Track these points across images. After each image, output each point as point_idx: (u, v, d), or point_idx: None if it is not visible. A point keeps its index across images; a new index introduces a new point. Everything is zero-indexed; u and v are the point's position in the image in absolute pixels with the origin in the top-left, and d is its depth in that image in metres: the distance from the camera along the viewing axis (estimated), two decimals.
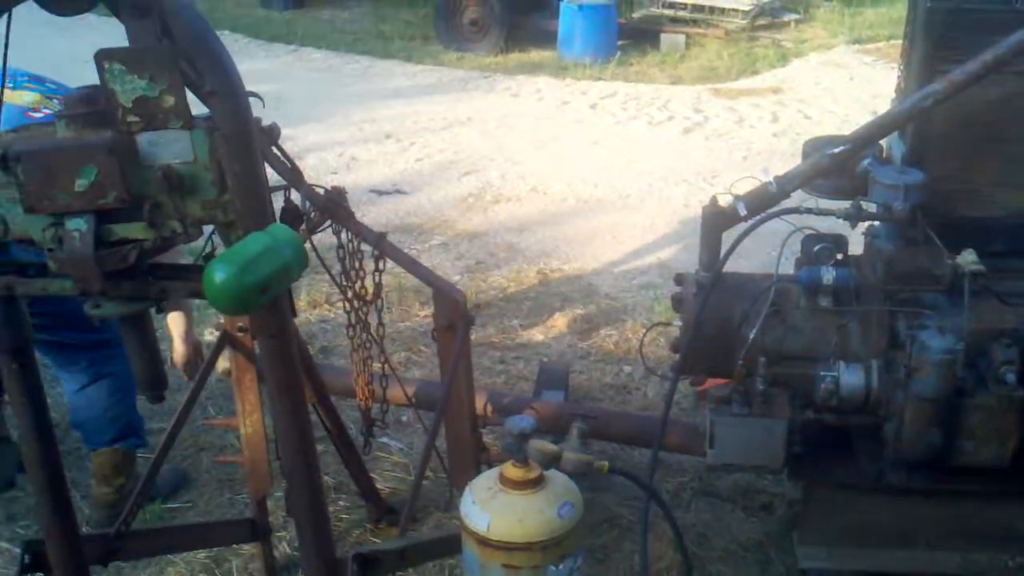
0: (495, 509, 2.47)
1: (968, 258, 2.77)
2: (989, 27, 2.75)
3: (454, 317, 3.00)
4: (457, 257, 5.78)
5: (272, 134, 2.65)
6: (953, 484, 2.92)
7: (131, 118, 1.85)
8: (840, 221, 2.91)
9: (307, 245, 2.62)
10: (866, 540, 2.98)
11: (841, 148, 2.85)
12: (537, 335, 4.80)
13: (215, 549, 3.31)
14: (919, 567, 2.95)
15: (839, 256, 3.01)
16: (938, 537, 2.97)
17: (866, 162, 2.95)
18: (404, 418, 4.03)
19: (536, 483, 2.49)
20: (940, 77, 2.75)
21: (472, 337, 4.47)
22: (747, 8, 11.59)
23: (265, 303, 1.99)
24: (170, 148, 1.91)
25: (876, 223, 2.97)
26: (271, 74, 10.34)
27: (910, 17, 2.97)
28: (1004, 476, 2.83)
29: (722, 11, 11.66)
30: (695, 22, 11.66)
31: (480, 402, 3.46)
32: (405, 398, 3.41)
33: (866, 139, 2.87)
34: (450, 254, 5.83)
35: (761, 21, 11.77)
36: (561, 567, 2.38)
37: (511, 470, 2.50)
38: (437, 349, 3.12)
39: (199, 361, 3.43)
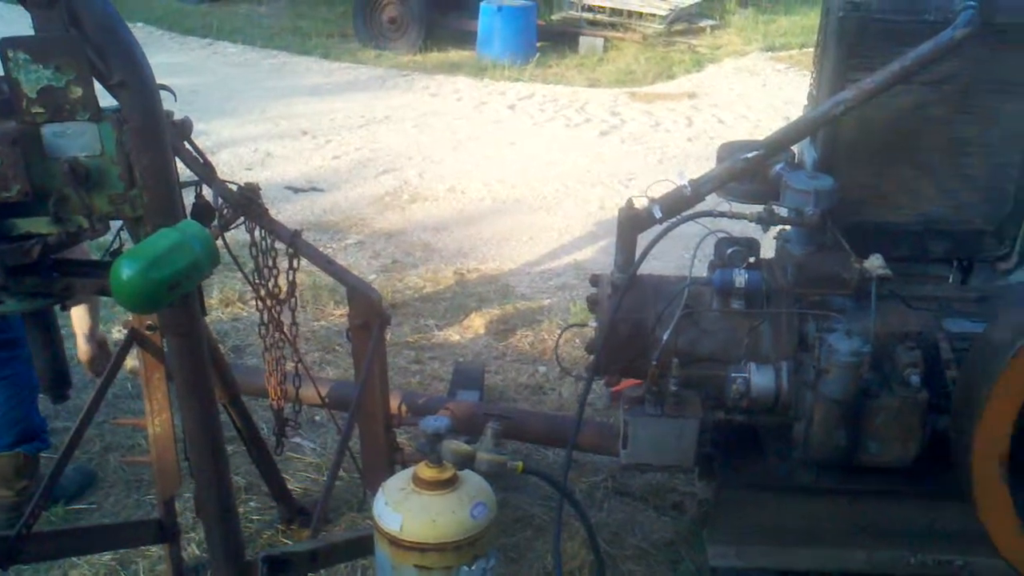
0: (408, 509, 2.46)
1: (875, 262, 2.84)
2: (899, 37, 2.83)
3: (369, 316, 2.97)
4: (373, 256, 5.74)
5: (184, 128, 2.60)
6: (859, 484, 2.99)
7: (36, 109, 1.80)
8: (753, 225, 2.96)
9: (219, 242, 2.59)
10: (775, 538, 3.02)
11: (754, 153, 2.89)
12: (453, 335, 4.79)
13: (121, 551, 3.23)
14: (825, 565, 3.00)
15: (751, 259, 3.05)
16: (844, 535, 3.02)
17: (778, 167, 3.00)
18: (318, 418, 3.98)
19: (449, 483, 2.48)
20: (850, 85, 2.82)
21: (387, 337, 4.45)
22: (664, 13, 11.73)
23: (174, 300, 1.95)
24: (76, 140, 1.86)
25: (788, 227, 3.02)
26: (186, 67, 10.15)
27: (822, 25, 3.03)
28: (908, 476, 2.90)
29: (640, 15, 11.77)
30: (613, 26, 11.76)
31: (395, 402, 3.43)
32: (318, 398, 3.37)
33: (778, 144, 2.92)
34: (366, 253, 5.78)
35: (678, 26, 11.91)
36: (474, 567, 2.37)
37: (425, 470, 2.49)
38: (352, 348, 3.08)
39: (105, 359, 3.34)
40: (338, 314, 4.78)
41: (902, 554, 2.98)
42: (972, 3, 2.73)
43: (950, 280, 3.17)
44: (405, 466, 2.89)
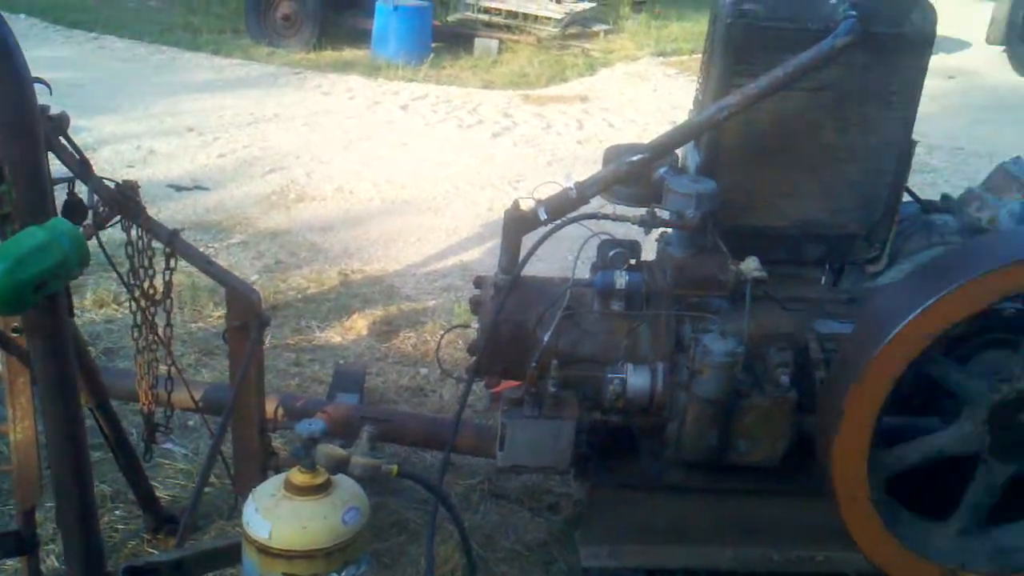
0: (278, 516, 2.39)
1: (751, 265, 2.87)
2: (783, 45, 2.86)
3: (247, 317, 2.89)
4: (256, 256, 5.62)
5: (60, 123, 2.51)
6: (729, 482, 3.04)
7: None
8: (635, 227, 2.97)
9: (93, 241, 2.49)
10: (646, 537, 3.04)
11: (639, 156, 2.90)
12: (335, 337, 4.71)
13: None
14: (694, 562, 3.03)
15: (632, 261, 3.06)
16: (713, 533, 3.06)
17: (662, 171, 3.02)
18: (191, 423, 3.86)
19: (322, 489, 2.42)
20: (735, 91, 2.85)
21: (267, 339, 4.37)
22: (559, 17, 11.80)
23: (39, 301, 1.89)
24: None
25: (669, 230, 3.04)
26: (70, 62, 9.83)
27: (710, 32, 3.05)
28: (775, 475, 2.95)
29: (535, 18, 11.82)
30: (509, 28, 11.78)
31: (271, 405, 3.35)
32: (192, 401, 3.27)
33: (662, 148, 2.93)
34: (249, 253, 5.66)
35: (572, 30, 12.00)
36: (343, 574, 2.32)
37: (297, 476, 2.43)
38: (228, 351, 3.00)
39: None
40: (217, 316, 4.66)
41: (767, 551, 3.04)
42: (853, 13, 2.78)
43: (822, 282, 3.23)
44: (279, 471, 2.81)
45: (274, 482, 2.53)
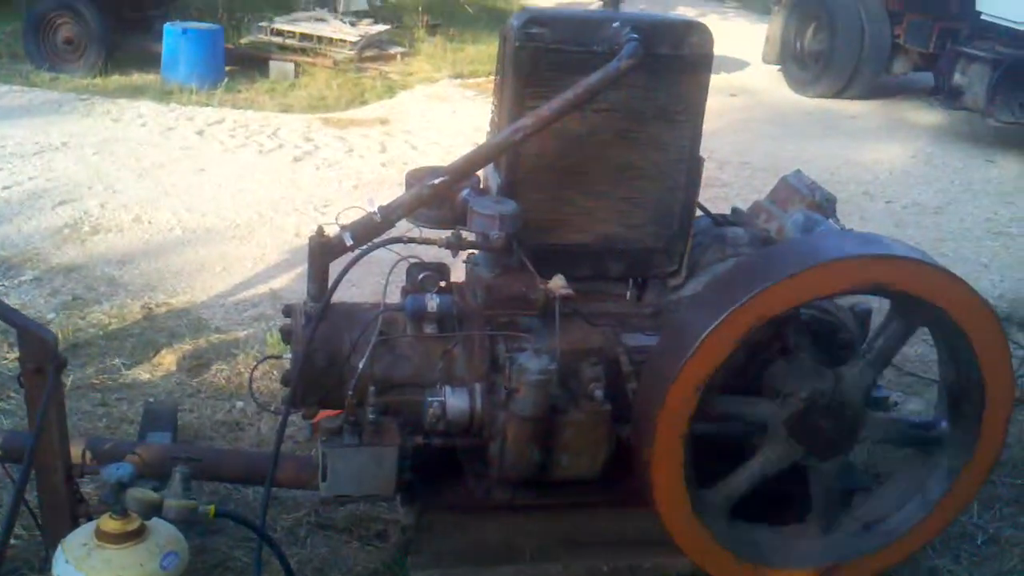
0: (91, 567, 2.32)
1: (558, 282, 2.96)
2: (571, 67, 2.97)
3: (42, 359, 2.77)
4: (51, 293, 5.35)
5: None
6: (554, 498, 3.11)
7: None
8: (443, 249, 3.01)
9: None
10: (477, 558, 3.09)
11: (440, 179, 2.95)
12: (142, 374, 4.54)
13: None
14: None
15: (442, 283, 3.10)
16: (542, 549, 3.13)
17: (465, 193, 3.08)
18: None
19: (136, 535, 2.36)
20: (528, 112, 2.94)
21: (68, 379, 4.19)
22: (354, 39, 11.76)
23: None
24: None
25: (475, 251, 3.10)
26: None
27: (500, 55, 3.13)
28: (598, 487, 3.05)
29: (330, 41, 11.74)
30: (304, 51, 11.65)
31: (77, 450, 3.21)
32: None
33: (462, 170, 2.99)
34: (43, 290, 5.39)
35: (368, 52, 11.98)
36: None
37: (108, 523, 2.36)
38: (25, 395, 2.86)
39: None
40: (12, 358, 4.42)
41: (596, 563, 3.13)
42: (635, 36, 2.92)
43: (627, 297, 3.36)
44: (91, 519, 2.71)
45: (85, 531, 2.45)
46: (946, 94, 10.12)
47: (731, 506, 2.93)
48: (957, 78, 9.88)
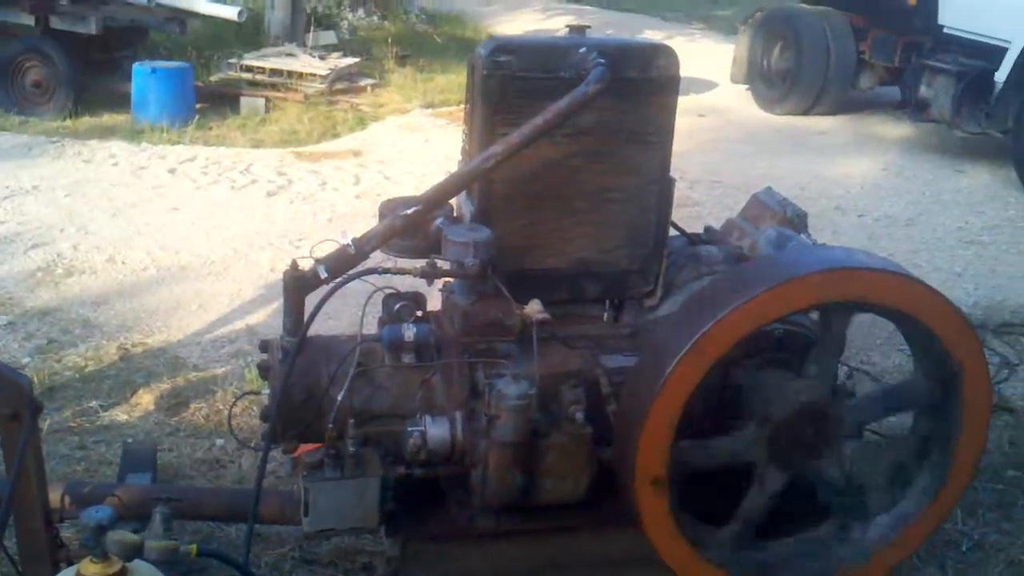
0: None
1: (534, 307, 2.97)
2: (539, 94, 2.99)
3: (17, 405, 2.74)
4: (26, 337, 5.31)
5: None
6: (538, 522, 3.09)
7: None
8: (418, 279, 3.01)
9: None
10: None
11: (413, 209, 2.95)
12: (120, 415, 4.51)
13: None
14: None
15: (419, 313, 3.10)
16: (528, 574, 3.11)
17: (438, 221, 3.08)
18: None
19: None
20: (499, 139, 2.95)
21: (45, 423, 4.15)
22: (324, 73, 11.79)
23: None
24: None
25: (451, 279, 3.10)
26: None
27: (469, 83, 3.15)
28: (581, 509, 3.04)
29: (300, 75, 11.76)
30: (274, 86, 11.67)
31: (56, 494, 3.18)
32: None
33: (435, 200, 3.00)
34: (17, 335, 5.34)
35: (339, 85, 12.00)
36: None
37: (89, 566, 2.33)
38: (1, 442, 2.83)
39: None
40: None
41: None
42: (602, 61, 2.94)
43: (604, 318, 3.37)
44: (71, 563, 2.68)
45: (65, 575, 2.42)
46: (913, 107, 10.24)
47: (742, 540, 2.94)
48: (923, 91, 10.00)
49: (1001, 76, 9.09)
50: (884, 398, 3.27)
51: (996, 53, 9.22)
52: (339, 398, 2.88)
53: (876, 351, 5.36)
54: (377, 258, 3.06)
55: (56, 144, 9.56)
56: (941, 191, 9.06)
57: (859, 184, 9.19)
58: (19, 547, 2.90)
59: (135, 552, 2.30)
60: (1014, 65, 8.95)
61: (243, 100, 11.18)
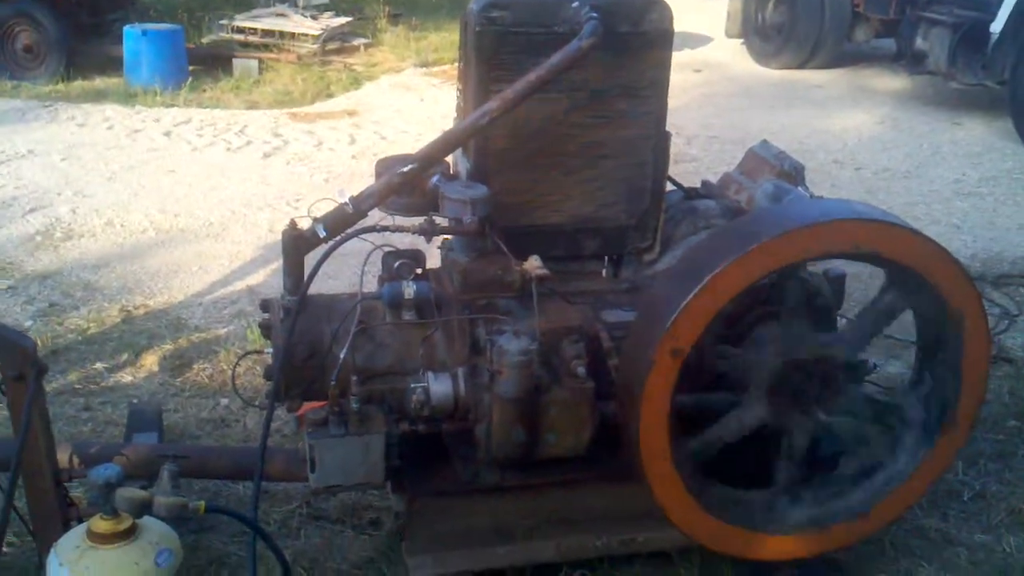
0: (85, 568, 2.33)
1: (534, 263, 2.98)
2: (533, 49, 2.99)
3: (22, 366, 2.77)
4: (27, 301, 5.33)
5: None
6: (542, 477, 3.13)
7: None
8: (416, 236, 3.03)
9: None
10: (470, 541, 3.10)
11: (409, 167, 2.96)
12: (125, 376, 4.54)
13: None
14: (518, 559, 3.11)
15: (419, 270, 3.11)
16: (533, 528, 3.15)
17: (435, 179, 3.09)
18: None
19: (128, 534, 2.37)
20: (494, 96, 2.95)
21: (50, 385, 4.18)
22: (317, 33, 11.71)
23: None
24: None
25: (449, 236, 3.11)
26: None
27: (463, 41, 3.15)
28: (584, 463, 3.07)
29: (292, 36, 11.69)
30: (267, 47, 11.60)
31: (64, 455, 3.21)
32: None
33: (431, 157, 3.00)
34: (19, 298, 5.37)
35: (331, 46, 11.93)
36: None
37: (99, 523, 2.37)
38: (8, 403, 2.86)
39: None
40: None
41: (588, 538, 3.15)
42: (595, 15, 2.93)
43: (603, 274, 3.39)
44: (81, 522, 2.72)
45: (76, 533, 2.46)
46: (909, 59, 10.19)
47: (707, 457, 2.95)
48: (919, 43, 9.95)
49: (997, 26, 9.04)
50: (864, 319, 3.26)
51: (991, 3, 9.17)
52: (342, 356, 2.90)
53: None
54: (375, 216, 3.07)
55: (49, 108, 9.53)
56: (938, 143, 9.05)
57: (856, 137, 9.18)
58: (29, 507, 2.93)
59: (144, 508, 2.33)
60: (1010, 15, 8.90)
61: (236, 62, 11.13)
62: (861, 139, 9.14)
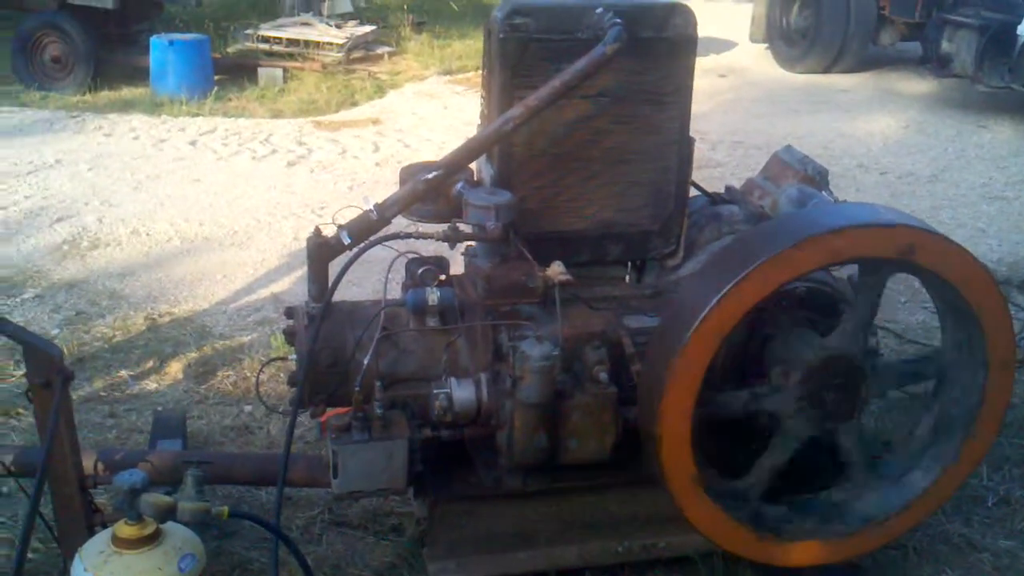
0: (110, 572, 2.35)
1: (557, 269, 2.98)
2: (557, 55, 3.00)
3: (49, 374, 2.80)
4: (54, 309, 5.38)
5: None
6: (564, 482, 3.12)
7: None
8: (440, 243, 3.03)
9: None
10: (492, 546, 3.10)
11: (433, 174, 2.97)
12: (150, 384, 4.57)
13: None
14: (540, 564, 3.11)
15: (442, 277, 3.12)
16: (556, 534, 3.15)
17: (459, 186, 3.09)
18: (4, 489, 3.68)
19: (152, 539, 2.38)
20: (517, 103, 2.95)
21: (76, 392, 4.21)
22: (341, 41, 11.77)
23: None
24: None
25: (473, 243, 3.12)
26: None
27: (486, 48, 3.15)
28: (607, 469, 3.06)
29: (317, 45, 11.76)
30: (292, 56, 11.67)
31: (89, 461, 3.23)
32: (2, 466, 3.12)
33: (456, 164, 3.01)
34: (46, 307, 5.41)
35: (356, 54, 11.99)
36: None
37: (124, 529, 2.39)
38: (35, 410, 2.89)
39: None
40: (19, 375, 4.45)
41: (610, 544, 3.15)
42: (618, 21, 2.93)
43: (626, 279, 3.38)
44: (106, 527, 2.73)
45: (101, 538, 2.48)
46: (935, 62, 10.14)
47: (761, 493, 2.96)
48: (945, 46, 9.91)
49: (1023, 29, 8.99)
50: (904, 367, 3.26)
51: (1018, 6, 9.12)
52: (365, 362, 2.91)
53: (902, 309, 5.36)
54: (399, 224, 3.08)
55: (77, 119, 9.61)
56: (964, 147, 8.98)
57: (881, 141, 9.13)
58: (55, 513, 2.96)
59: (168, 514, 2.34)
60: None
61: (261, 71, 11.19)
62: (886, 143, 9.09)
